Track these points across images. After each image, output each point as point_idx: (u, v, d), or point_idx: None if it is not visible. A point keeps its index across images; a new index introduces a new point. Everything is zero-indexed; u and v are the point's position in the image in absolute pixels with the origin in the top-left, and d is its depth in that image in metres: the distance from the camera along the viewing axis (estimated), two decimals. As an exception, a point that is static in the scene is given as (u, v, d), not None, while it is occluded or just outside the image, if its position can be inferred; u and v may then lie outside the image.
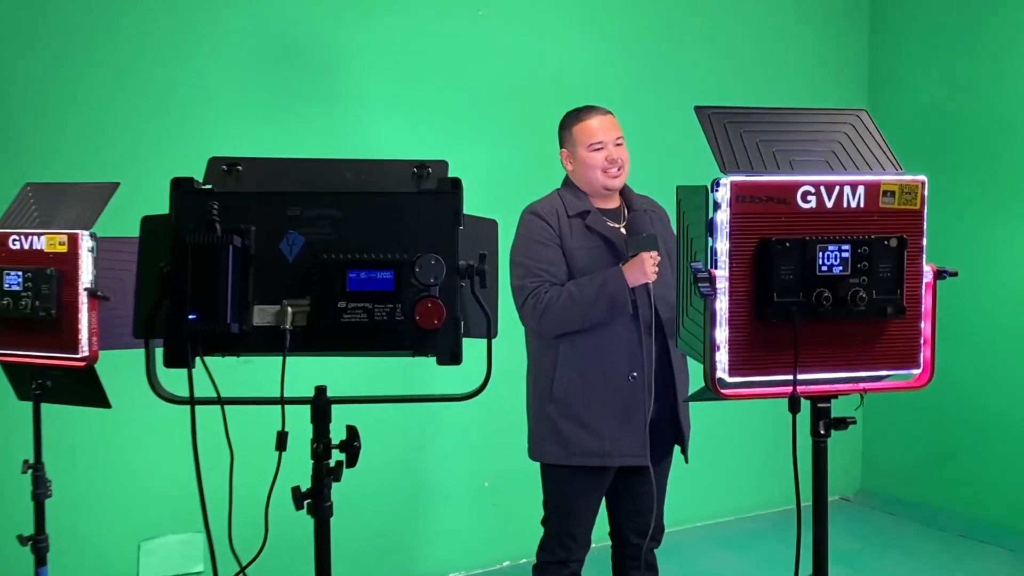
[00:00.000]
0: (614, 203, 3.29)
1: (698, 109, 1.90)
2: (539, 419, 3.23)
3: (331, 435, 1.99)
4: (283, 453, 1.90)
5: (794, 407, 1.74)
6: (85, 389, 2.80)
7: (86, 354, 2.64)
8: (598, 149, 3.18)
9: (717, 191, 1.79)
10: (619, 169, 3.20)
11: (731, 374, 1.78)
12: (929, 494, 5.65)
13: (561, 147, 3.30)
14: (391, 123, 4.56)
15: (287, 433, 1.88)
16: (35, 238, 2.64)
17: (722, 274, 1.78)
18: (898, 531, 5.45)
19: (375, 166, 2.01)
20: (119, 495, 4.10)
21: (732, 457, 5.48)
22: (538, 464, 3.31)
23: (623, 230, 3.19)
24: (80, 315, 2.61)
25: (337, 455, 1.98)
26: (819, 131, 1.93)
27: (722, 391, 1.79)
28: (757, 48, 5.63)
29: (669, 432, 3.25)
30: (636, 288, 3.04)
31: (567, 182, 3.31)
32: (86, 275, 2.64)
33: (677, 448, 3.33)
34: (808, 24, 5.83)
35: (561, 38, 5.02)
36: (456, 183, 1.95)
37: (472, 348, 1.96)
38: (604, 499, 3.35)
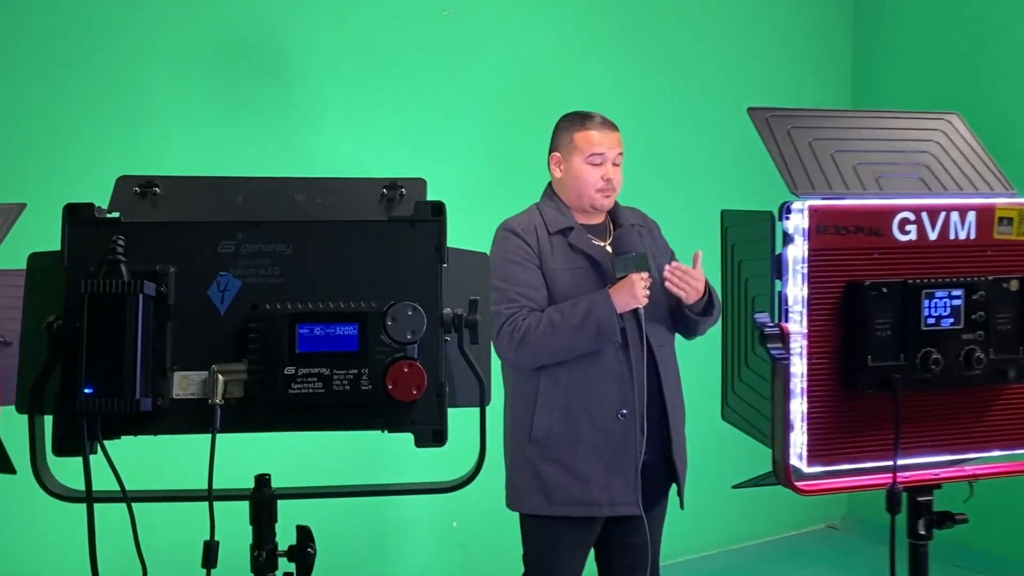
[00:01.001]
0: (599, 218, 3.03)
1: (752, 111, 1.49)
2: (517, 463, 2.95)
3: (277, 539, 1.55)
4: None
5: (894, 505, 1.32)
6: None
7: (-17, 411, 2.25)
8: (596, 164, 2.93)
9: (788, 219, 1.37)
10: (612, 191, 2.97)
11: (811, 462, 1.35)
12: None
13: (553, 150, 3.02)
14: (349, 133, 4.28)
15: (217, 544, 1.43)
16: (-82, 271, 2.35)
17: (797, 329, 1.34)
18: (888, 562, 5.10)
19: (334, 186, 1.67)
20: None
21: (712, 488, 5.16)
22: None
23: (609, 248, 2.94)
24: (-26, 364, 2.31)
25: (285, 565, 1.54)
26: (904, 139, 1.54)
27: (798, 484, 1.36)
28: (738, 44, 5.41)
29: (663, 474, 3.00)
30: (625, 314, 2.81)
31: (549, 193, 3.05)
32: (-18, 316, 2.34)
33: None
34: (792, 18, 5.62)
35: (534, 38, 4.76)
36: (438, 208, 1.57)
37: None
38: (593, 549, 3.07)
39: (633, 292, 2.76)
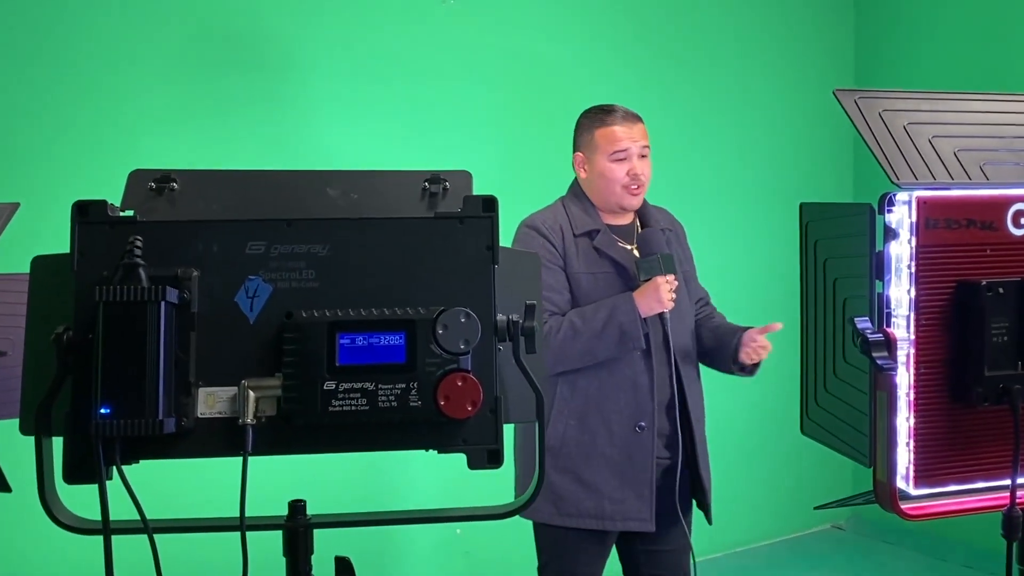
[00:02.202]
0: (627, 219, 2.92)
1: (840, 93, 1.35)
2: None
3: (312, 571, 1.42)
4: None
5: (1012, 530, 1.18)
6: (-25, 469, 2.34)
7: (-26, 426, 2.19)
8: (621, 160, 2.81)
9: (891, 211, 1.22)
10: (640, 187, 2.84)
11: (917, 483, 1.21)
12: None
13: (576, 150, 2.91)
14: (347, 128, 4.19)
15: (253, 583, 1.28)
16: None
17: (903, 336, 1.20)
18: (896, 563, 5.11)
19: (370, 180, 1.52)
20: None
21: (714, 491, 5.09)
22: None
23: (636, 252, 2.83)
24: (-36, 375, 2.21)
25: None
26: (1004, 123, 1.39)
27: (903, 508, 1.22)
28: (741, 36, 5.35)
29: (686, 487, 2.90)
30: (649, 319, 2.71)
31: (576, 190, 2.94)
32: (-28, 323, 2.23)
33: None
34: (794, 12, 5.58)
35: (538, 31, 4.69)
36: (490, 203, 1.42)
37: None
38: (621, 564, 3.02)
39: (658, 295, 2.66)
